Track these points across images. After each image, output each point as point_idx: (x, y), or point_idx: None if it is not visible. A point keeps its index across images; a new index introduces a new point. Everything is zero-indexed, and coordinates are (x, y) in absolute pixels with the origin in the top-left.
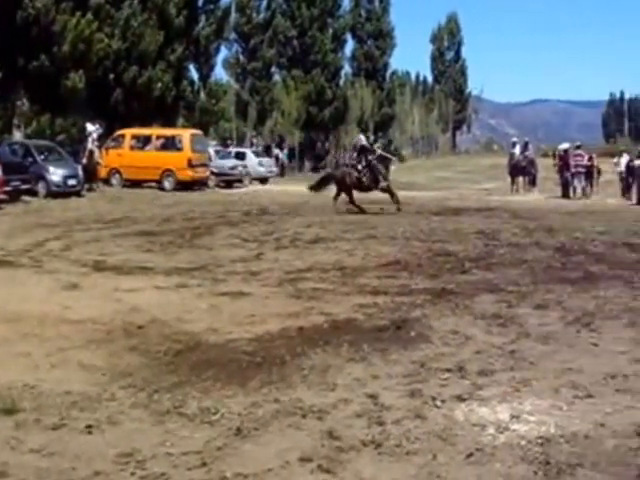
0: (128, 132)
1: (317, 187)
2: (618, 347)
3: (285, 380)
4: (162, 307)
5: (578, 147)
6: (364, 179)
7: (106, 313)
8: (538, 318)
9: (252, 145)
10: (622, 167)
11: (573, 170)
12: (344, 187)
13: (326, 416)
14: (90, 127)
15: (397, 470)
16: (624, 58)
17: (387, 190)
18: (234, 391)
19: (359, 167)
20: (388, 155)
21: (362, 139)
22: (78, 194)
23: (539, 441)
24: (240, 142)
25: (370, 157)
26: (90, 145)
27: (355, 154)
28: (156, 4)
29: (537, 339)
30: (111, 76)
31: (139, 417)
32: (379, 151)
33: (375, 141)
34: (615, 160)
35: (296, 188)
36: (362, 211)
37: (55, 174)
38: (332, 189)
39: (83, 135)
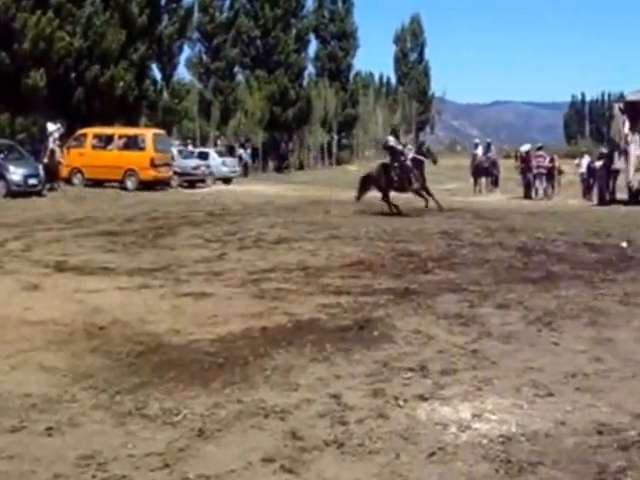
0: (90, 131)
1: (359, 193)
2: (578, 346)
3: (248, 380)
4: (124, 308)
5: (540, 148)
6: (396, 179)
7: (67, 314)
8: (500, 317)
9: (215, 145)
10: (583, 168)
11: (535, 171)
12: (379, 187)
13: (289, 416)
14: (51, 126)
15: (360, 469)
16: (586, 60)
17: (418, 192)
18: (196, 392)
19: (392, 167)
20: (420, 157)
21: (390, 140)
22: (39, 194)
23: (500, 440)
24: (203, 142)
25: (401, 158)
26: (51, 144)
27: (389, 155)
28: (118, 3)
29: (499, 338)
30: (73, 75)
31: (100, 419)
32: (411, 153)
33: (406, 144)
34: (576, 161)
35: (259, 188)
36: (397, 211)
37: (15, 173)
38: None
39: (44, 134)
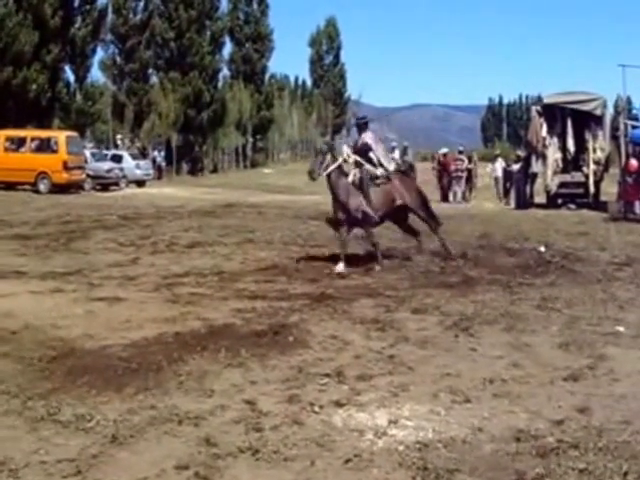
0: (2, 133)
1: None
2: (496, 352)
3: (161, 386)
4: (36, 312)
5: (460, 152)
6: None
7: None
8: (416, 323)
9: (117, 147)
10: (498, 172)
11: (453, 174)
12: None
13: (203, 422)
14: None
15: (274, 477)
16: (503, 63)
17: None
18: (109, 398)
19: None
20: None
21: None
22: None
23: (417, 446)
24: (116, 145)
25: None
26: None
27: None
28: (31, 4)
29: (415, 344)
30: None
31: (12, 424)
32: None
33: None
34: (490, 166)
35: (173, 191)
36: None
37: None
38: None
39: None
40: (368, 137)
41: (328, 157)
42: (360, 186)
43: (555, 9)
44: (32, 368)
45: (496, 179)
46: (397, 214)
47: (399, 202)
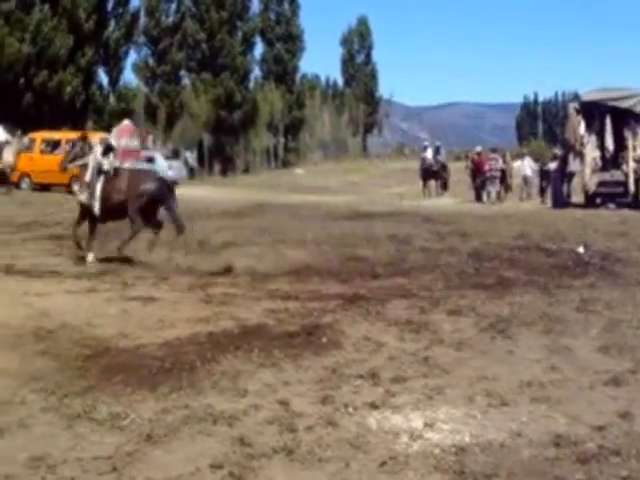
0: (38, 136)
1: None
2: (534, 355)
3: (195, 386)
4: (72, 311)
5: (493, 150)
6: None
7: (16, 317)
8: (451, 324)
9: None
10: (526, 170)
11: (487, 174)
12: None
13: (237, 422)
14: (0, 136)
15: (309, 478)
16: (539, 60)
17: None
18: (144, 396)
19: None
20: None
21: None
22: None
23: (453, 450)
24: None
25: None
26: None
27: None
28: (66, 8)
29: (451, 346)
30: (21, 80)
31: (50, 421)
32: None
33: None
34: (517, 164)
35: (205, 192)
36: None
37: None
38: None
39: None
40: (112, 137)
41: (77, 150)
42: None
43: (594, 2)
44: (68, 366)
45: (524, 178)
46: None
47: (117, 198)
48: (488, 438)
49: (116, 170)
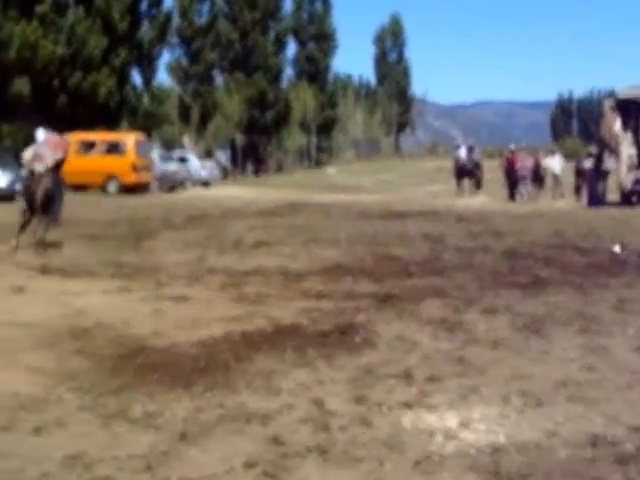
0: (73, 137)
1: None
2: (569, 354)
3: (229, 384)
4: (107, 310)
5: (522, 149)
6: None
7: (52, 316)
8: (486, 324)
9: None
10: (555, 169)
11: (519, 173)
12: None
13: (271, 421)
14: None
15: (343, 477)
16: (573, 57)
17: None
18: (178, 395)
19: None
20: None
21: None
22: None
23: (488, 450)
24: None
25: None
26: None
27: None
28: (100, 10)
29: (485, 345)
30: (56, 82)
31: (85, 420)
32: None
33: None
34: (546, 160)
35: (238, 191)
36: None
37: (1, 179)
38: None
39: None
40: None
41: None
42: None
43: None
44: (103, 365)
45: (554, 176)
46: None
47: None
48: (523, 438)
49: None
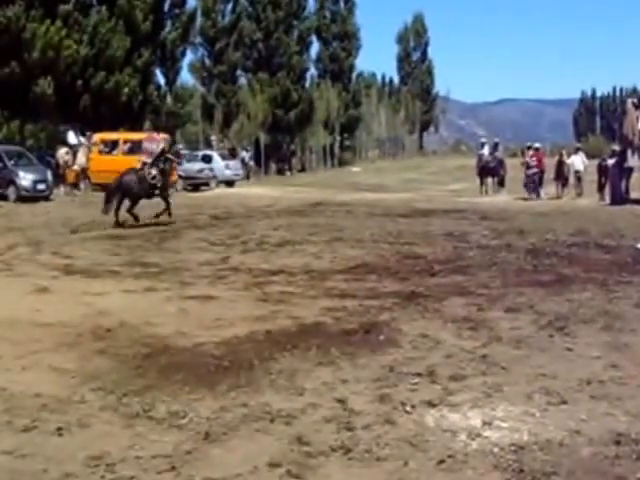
0: (97, 136)
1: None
2: (593, 352)
3: (253, 384)
4: (130, 310)
5: (536, 149)
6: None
7: (76, 316)
8: (509, 322)
9: (211, 147)
10: (578, 166)
11: (530, 171)
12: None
13: (295, 421)
14: (72, 139)
15: (367, 476)
16: (596, 55)
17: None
18: (202, 395)
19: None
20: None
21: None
22: (47, 198)
23: (512, 448)
24: (208, 145)
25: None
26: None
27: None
28: (123, 10)
29: (509, 343)
30: (79, 82)
31: (109, 420)
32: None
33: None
34: (569, 159)
35: (262, 191)
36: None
37: (25, 179)
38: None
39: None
40: None
41: None
42: None
43: None
44: (127, 365)
45: (576, 174)
46: None
47: None
48: (547, 436)
49: None
